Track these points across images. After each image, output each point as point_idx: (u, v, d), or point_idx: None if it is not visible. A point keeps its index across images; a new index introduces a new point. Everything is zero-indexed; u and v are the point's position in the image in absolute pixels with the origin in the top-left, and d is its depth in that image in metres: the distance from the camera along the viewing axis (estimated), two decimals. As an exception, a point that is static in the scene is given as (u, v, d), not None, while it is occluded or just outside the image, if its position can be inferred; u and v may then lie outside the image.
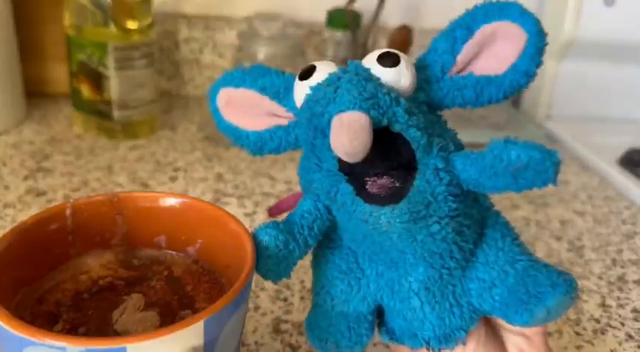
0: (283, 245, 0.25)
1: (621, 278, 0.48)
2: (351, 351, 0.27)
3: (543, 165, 0.23)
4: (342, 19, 0.71)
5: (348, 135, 0.22)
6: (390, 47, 0.69)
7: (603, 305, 0.44)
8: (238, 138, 0.29)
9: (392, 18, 0.80)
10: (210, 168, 0.60)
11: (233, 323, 0.24)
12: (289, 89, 0.27)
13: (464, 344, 0.27)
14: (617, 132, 0.79)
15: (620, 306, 0.44)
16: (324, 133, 0.24)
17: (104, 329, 0.25)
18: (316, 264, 0.29)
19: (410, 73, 0.25)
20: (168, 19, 0.78)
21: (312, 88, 0.25)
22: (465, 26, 0.26)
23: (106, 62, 0.61)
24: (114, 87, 0.63)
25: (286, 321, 0.39)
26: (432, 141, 0.25)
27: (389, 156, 0.25)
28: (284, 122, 0.28)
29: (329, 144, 0.24)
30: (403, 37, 0.68)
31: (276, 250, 0.25)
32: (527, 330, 0.28)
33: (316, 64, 0.26)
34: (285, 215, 0.28)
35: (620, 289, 0.46)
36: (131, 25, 0.61)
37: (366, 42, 0.72)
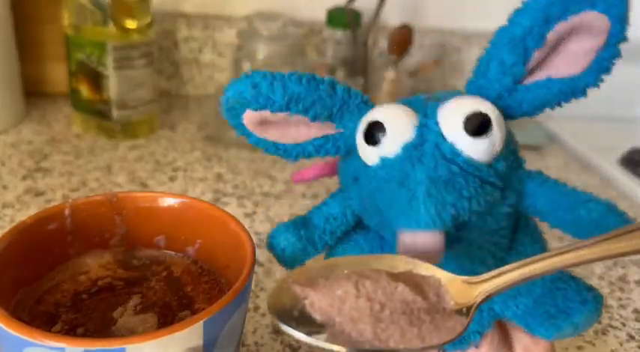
0: (300, 252, 0.25)
1: (622, 279, 0.48)
2: None
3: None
4: (342, 18, 0.70)
5: (420, 257, 0.20)
6: (390, 47, 0.69)
7: (604, 305, 0.44)
8: (272, 151, 0.26)
9: (392, 17, 0.80)
10: (210, 168, 0.60)
11: (232, 323, 0.23)
12: (344, 110, 0.24)
13: (477, 347, 0.27)
14: (618, 132, 0.79)
15: (622, 307, 0.44)
16: (389, 227, 0.23)
17: (103, 330, 0.25)
18: (340, 245, 0.28)
19: (501, 133, 0.22)
20: (167, 18, 0.78)
21: (381, 164, 0.22)
22: (537, 34, 0.22)
23: (105, 62, 0.61)
24: (113, 86, 0.62)
25: (286, 321, 0.39)
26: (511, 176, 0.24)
27: None
28: (330, 132, 0.25)
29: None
30: (403, 37, 0.68)
31: (291, 255, 0.25)
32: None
33: (381, 119, 0.22)
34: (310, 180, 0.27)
35: (622, 289, 0.46)
36: (130, 24, 0.61)
37: (367, 41, 0.72)
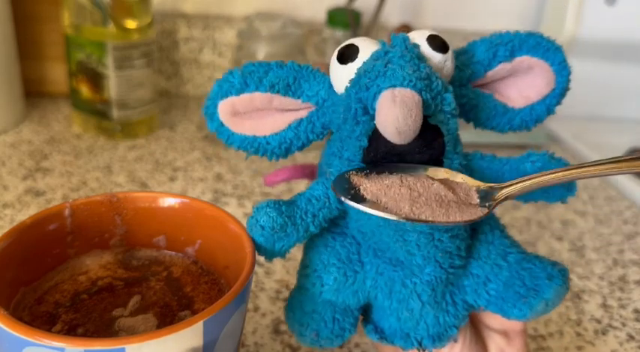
0: (280, 228, 0.24)
1: (622, 279, 0.48)
2: (330, 344, 0.26)
3: (572, 184, 0.26)
4: (342, 18, 0.70)
5: (402, 111, 0.20)
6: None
7: (604, 305, 0.44)
8: (258, 148, 0.26)
9: (392, 17, 0.80)
10: (210, 168, 0.60)
11: (232, 323, 0.23)
12: (299, 77, 0.26)
13: (455, 341, 0.27)
14: (617, 132, 0.79)
15: (622, 307, 0.44)
16: (366, 110, 0.23)
17: (103, 330, 0.25)
18: (313, 245, 0.27)
19: (452, 64, 0.24)
20: (167, 18, 0.78)
21: (358, 72, 0.24)
22: (509, 48, 0.26)
23: (105, 62, 0.61)
24: (113, 86, 0.62)
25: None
26: (457, 137, 0.25)
27: (421, 149, 0.23)
28: (303, 114, 0.26)
29: (358, 134, 0.23)
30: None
31: (271, 232, 0.24)
32: (510, 329, 0.28)
33: (355, 42, 0.24)
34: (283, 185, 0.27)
35: (622, 289, 0.46)
36: (130, 24, 0.61)
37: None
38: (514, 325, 0.28)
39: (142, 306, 0.27)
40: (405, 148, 0.23)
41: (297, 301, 0.27)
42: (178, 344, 0.21)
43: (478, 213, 0.22)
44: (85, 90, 0.64)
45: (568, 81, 0.26)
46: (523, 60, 0.26)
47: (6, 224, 0.47)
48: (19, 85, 0.67)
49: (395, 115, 0.21)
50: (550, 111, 0.27)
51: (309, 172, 0.34)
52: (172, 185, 0.56)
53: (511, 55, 0.26)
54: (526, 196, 0.26)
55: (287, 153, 0.27)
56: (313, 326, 0.25)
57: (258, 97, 0.25)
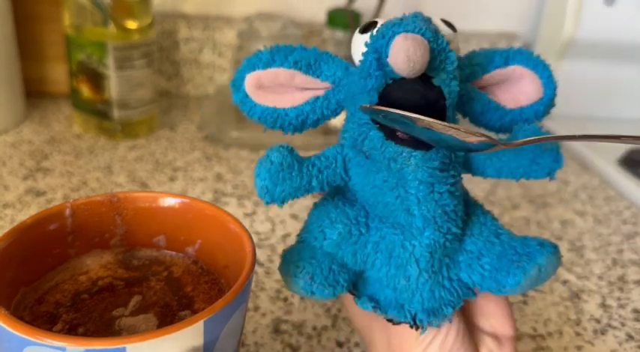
0: (287, 166, 0.26)
1: (622, 279, 0.48)
2: (321, 292, 0.26)
3: (559, 154, 0.28)
4: (342, 19, 0.71)
5: (413, 43, 0.23)
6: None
7: (604, 305, 0.44)
8: (277, 118, 0.28)
9: (392, 17, 0.80)
10: (210, 168, 0.60)
11: (233, 323, 0.24)
12: (319, 60, 0.28)
13: (450, 321, 0.27)
14: (616, 132, 0.79)
15: (621, 306, 0.44)
16: (380, 63, 0.25)
17: (103, 330, 0.25)
18: (322, 205, 0.28)
19: (458, 45, 0.27)
20: (167, 18, 0.78)
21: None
22: (504, 56, 0.29)
23: (105, 62, 0.61)
24: (113, 87, 0.62)
25: (286, 321, 0.39)
26: (455, 108, 0.27)
27: (424, 110, 0.25)
28: (320, 93, 0.28)
29: (369, 88, 0.25)
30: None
31: (278, 167, 0.26)
32: (500, 334, 0.28)
33: (377, 19, 0.27)
34: None
35: (621, 289, 0.46)
36: (131, 24, 0.61)
37: (366, 42, 0.72)
38: (505, 330, 0.29)
39: (143, 306, 0.27)
40: (410, 108, 0.24)
41: (296, 251, 0.27)
42: (179, 344, 0.21)
43: (483, 139, 0.24)
44: (85, 91, 0.64)
45: (555, 94, 0.30)
46: (516, 68, 0.29)
47: (6, 224, 0.47)
48: (19, 85, 0.67)
49: (407, 46, 0.23)
50: (537, 117, 0.29)
51: None
52: (172, 185, 0.56)
53: (505, 63, 0.29)
54: (516, 170, 0.28)
55: (302, 125, 0.29)
56: (309, 269, 0.26)
57: (282, 72, 0.28)
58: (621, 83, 0.82)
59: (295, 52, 0.28)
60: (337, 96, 0.28)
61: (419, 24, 0.25)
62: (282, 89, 0.28)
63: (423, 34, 0.24)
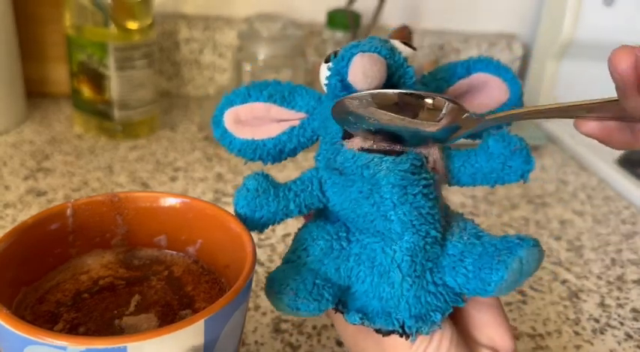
0: (263, 192, 0.27)
1: (620, 278, 0.48)
2: (307, 307, 0.26)
3: (529, 156, 0.29)
4: (342, 19, 0.71)
5: (369, 60, 0.25)
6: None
7: (602, 304, 0.44)
8: (255, 149, 0.30)
9: (391, 18, 0.80)
10: (210, 168, 0.60)
11: (233, 322, 0.24)
12: (293, 92, 0.30)
13: (440, 327, 0.26)
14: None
15: (620, 306, 0.44)
16: (344, 85, 0.26)
17: (104, 329, 0.25)
18: (305, 227, 0.29)
19: (416, 63, 0.28)
20: (168, 19, 0.78)
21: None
22: (465, 66, 0.30)
23: (106, 62, 0.61)
24: (114, 87, 0.63)
25: (286, 320, 0.39)
26: None
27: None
28: (296, 122, 0.30)
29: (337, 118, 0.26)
30: (403, 38, 0.68)
31: (255, 194, 0.27)
32: (499, 346, 0.28)
33: (338, 50, 0.29)
34: None
35: (620, 289, 0.46)
36: (131, 25, 0.61)
37: (366, 42, 0.72)
38: (504, 342, 0.28)
39: (143, 305, 0.27)
40: None
41: (280, 271, 0.27)
42: (179, 343, 0.21)
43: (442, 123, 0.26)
44: (86, 91, 0.64)
45: (521, 92, 0.30)
46: (479, 76, 0.30)
47: (7, 224, 0.47)
48: (20, 86, 0.67)
49: (363, 63, 0.25)
50: None
51: None
52: (173, 185, 0.56)
53: (468, 72, 0.30)
54: (489, 175, 0.29)
55: (280, 154, 0.30)
56: (293, 285, 0.26)
57: (258, 106, 0.30)
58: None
59: (270, 87, 0.30)
60: (312, 125, 0.30)
61: (375, 43, 0.26)
62: (260, 122, 0.30)
63: (379, 52, 0.26)
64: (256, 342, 0.37)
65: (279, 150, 0.30)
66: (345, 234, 0.28)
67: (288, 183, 0.28)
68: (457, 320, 0.29)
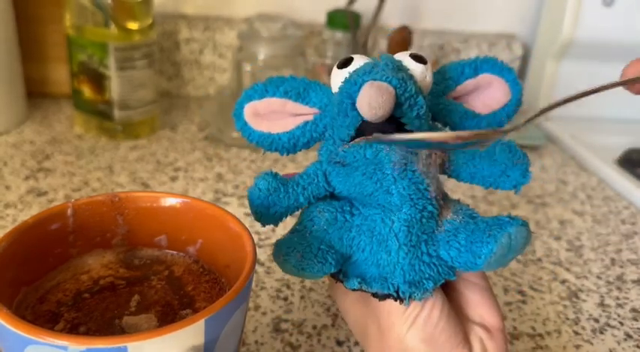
0: (274, 190, 0.29)
1: (620, 278, 0.48)
2: (311, 270, 0.28)
3: (528, 171, 0.31)
4: (342, 19, 0.71)
5: (376, 92, 0.25)
6: (389, 48, 0.70)
7: (602, 304, 0.44)
8: (271, 142, 0.31)
9: (391, 19, 0.80)
10: (211, 168, 0.61)
11: (233, 322, 0.24)
12: (308, 88, 0.31)
13: (431, 294, 0.28)
14: (615, 133, 0.79)
15: (619, 306, 0.44)
16: (354, 105, 0.27)
17: (105, 329, 0.25)
18: (311, 205, 0.31)
19: (431, 75, 0.30)
20: (168, 19, 0.78)
21: (350, 72, 0.29)
22: (473, 67, 0.31)
23: (106, 62, 0.62)
24: (115, 87, 0.63)
25: (286, 320, 0.39)
26: None
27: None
28: (310, 118, 0.31)
29: (347, 124, 0.28)
30: (403, 38, 0.69)
31: (266, 193, 0.29)
32: (489, 325, 0.30)
33: (353, 56, 0.30)
34: None
35: (619, 289, 0.46)
36: (132, 25, 0.62)
37: (366, 42, 0.72)
38: (493, 320, 0.30)
39: (144, 305, 0.27)
40: None
41: (287, 238, 0.29)
42: (180, 343, 0.21)
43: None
44: (86, 91, 0.64)
45: (521, 95, 0.32)
46: (485, 76, 0.31)
47: (8, 224, 0.47)
48: (21, 86, 0.67)
49: (370, 94, 0.26)
50: (509, 117, 0.32)
51: None
52: (173, 185, 0.56)
53: (475, 73, 0.31)
54: (487, 178, 0.31)
55: (294, 147, 0.32)
56: (299, 248, 0.28)
57: (274, 101, 0.31)
58: (620, 83, 0.82)
59: (286, 83, 0.31)
60: (324, 121, 0.31)
61: (387, 72, 0.27)
62: (276, 116, 0.31)
63: (389, 82, 0.26)
64: (256, 342, 0.37)
65: (292, 144, 0.31)
66: (349, 208, 0.30)
67: (296, 178, 0.30)
68: (451, 298, 0.31)
